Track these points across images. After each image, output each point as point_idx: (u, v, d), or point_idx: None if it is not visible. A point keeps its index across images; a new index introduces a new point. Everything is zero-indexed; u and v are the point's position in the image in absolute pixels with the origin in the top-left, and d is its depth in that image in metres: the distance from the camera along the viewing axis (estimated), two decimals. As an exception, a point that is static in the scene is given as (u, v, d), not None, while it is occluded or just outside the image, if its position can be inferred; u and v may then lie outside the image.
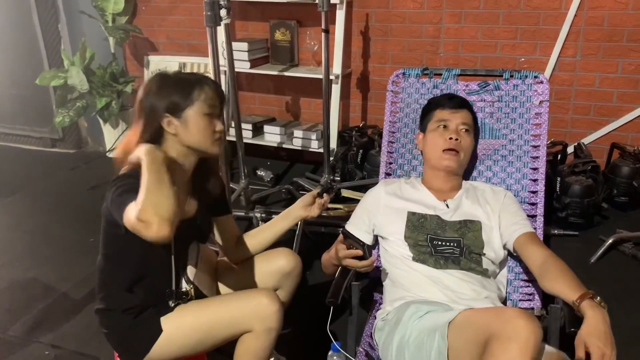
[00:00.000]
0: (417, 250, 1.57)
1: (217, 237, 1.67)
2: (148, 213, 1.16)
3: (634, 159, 2.82)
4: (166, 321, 1.44)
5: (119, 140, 3.77)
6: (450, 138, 1.66)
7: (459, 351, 1.23)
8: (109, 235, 1.44)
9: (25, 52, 3.95)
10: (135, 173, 1.28)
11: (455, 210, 1.64)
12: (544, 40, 3.02)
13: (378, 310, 1.65)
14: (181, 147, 1.42)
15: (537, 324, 1.13)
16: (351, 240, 1.48)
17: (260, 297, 1.43)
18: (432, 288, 1.50)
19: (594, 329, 1.20)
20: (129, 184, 1.27)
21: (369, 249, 1.48)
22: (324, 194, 1.65)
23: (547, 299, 1.53)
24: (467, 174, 1.87)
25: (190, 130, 1.39)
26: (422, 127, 1.79)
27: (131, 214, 1.19)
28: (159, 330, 1.43)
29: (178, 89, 1.39)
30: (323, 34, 2.69)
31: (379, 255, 1.73)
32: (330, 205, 2.30)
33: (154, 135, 1.39)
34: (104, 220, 1.43)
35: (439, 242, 1.57)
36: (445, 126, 1.69)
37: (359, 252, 1.45)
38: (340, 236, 1.54)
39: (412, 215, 1.63)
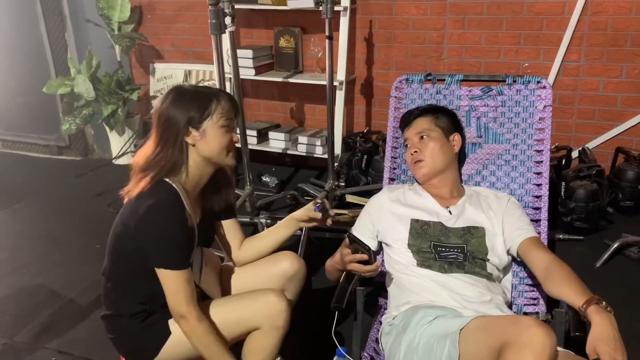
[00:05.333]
0: (421, 257, 1.57)
1: (224, 240, 1.68)
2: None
3: (638, 163, 2.81)
4: (174, 323, 1.45)
5: (127, 147, 3.80)
6: (412, 154, 1.73)
7: (471, 358, 1.23)
8: (118, 246, 1.46)
9: (32, 60, 3.99)
10: (169, 200, 1.37)
11: (459, 217, 1.64)
12: (547, 45, 3.03)
13: (383, 315, 1.65)
14: (199, 158, 1.45)
15: (552, 333, 1.13)
16: (357, 245, 1.48)
17: (268, 295, 1.45)
18: (439, 291, 1.50)
19: (603, 335, 1.20)
20: (174, 227, 1.36)
21: (373, 254, 1.48)
22: (322, 209, 1.64)
23: (552, 303, 1.53)
24: (470, 179, 1.88)
25: (208, 141, 1.43)
26: None
27: (180, 294, 1.37)
28: (167, 332, 1.45)
29: (196, 102, 1.43)
30: (327, 40, 2.70)
31: (383, 261, 1.73)
32: (335, 211, 2.30)
33: (174, 146, 1.41)
34: (118, 230, 1.44)
35: (443, 249, 1.57)
36: (407, 145, 1.78)
37: (365, 256, 1.45)
38: (346, 240, 1.55)
39: (415, 223, 1.63)
